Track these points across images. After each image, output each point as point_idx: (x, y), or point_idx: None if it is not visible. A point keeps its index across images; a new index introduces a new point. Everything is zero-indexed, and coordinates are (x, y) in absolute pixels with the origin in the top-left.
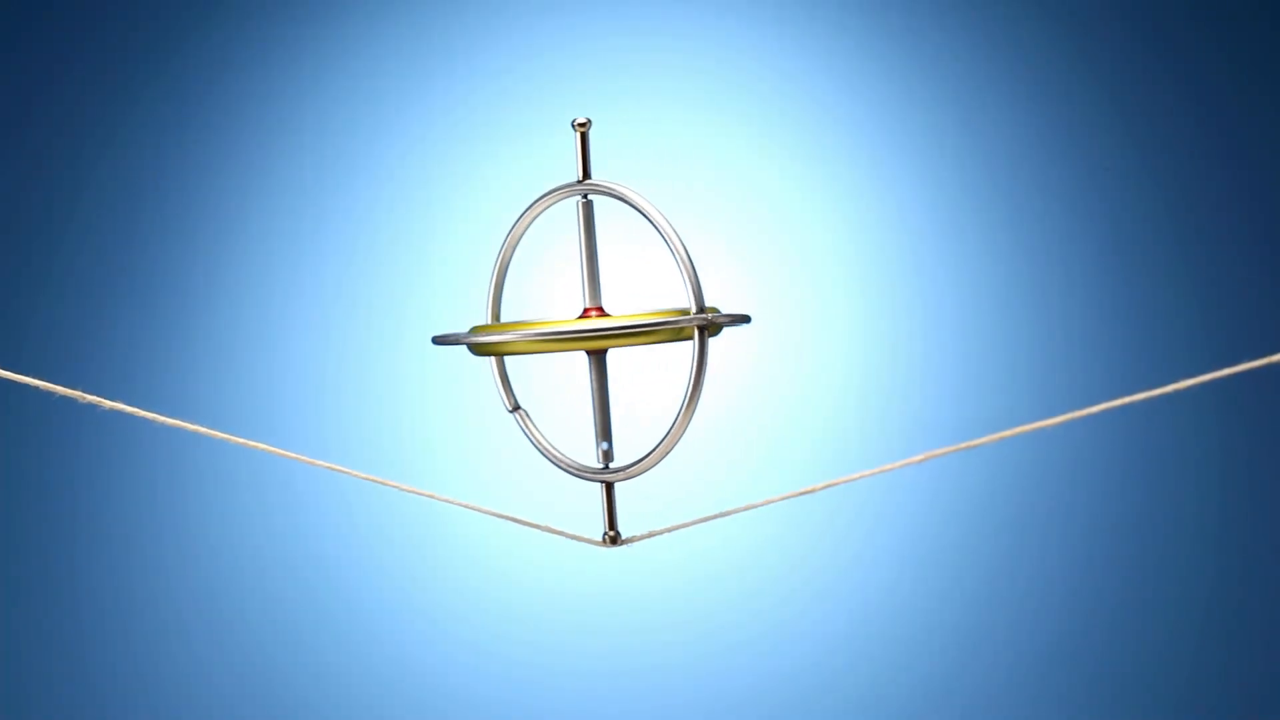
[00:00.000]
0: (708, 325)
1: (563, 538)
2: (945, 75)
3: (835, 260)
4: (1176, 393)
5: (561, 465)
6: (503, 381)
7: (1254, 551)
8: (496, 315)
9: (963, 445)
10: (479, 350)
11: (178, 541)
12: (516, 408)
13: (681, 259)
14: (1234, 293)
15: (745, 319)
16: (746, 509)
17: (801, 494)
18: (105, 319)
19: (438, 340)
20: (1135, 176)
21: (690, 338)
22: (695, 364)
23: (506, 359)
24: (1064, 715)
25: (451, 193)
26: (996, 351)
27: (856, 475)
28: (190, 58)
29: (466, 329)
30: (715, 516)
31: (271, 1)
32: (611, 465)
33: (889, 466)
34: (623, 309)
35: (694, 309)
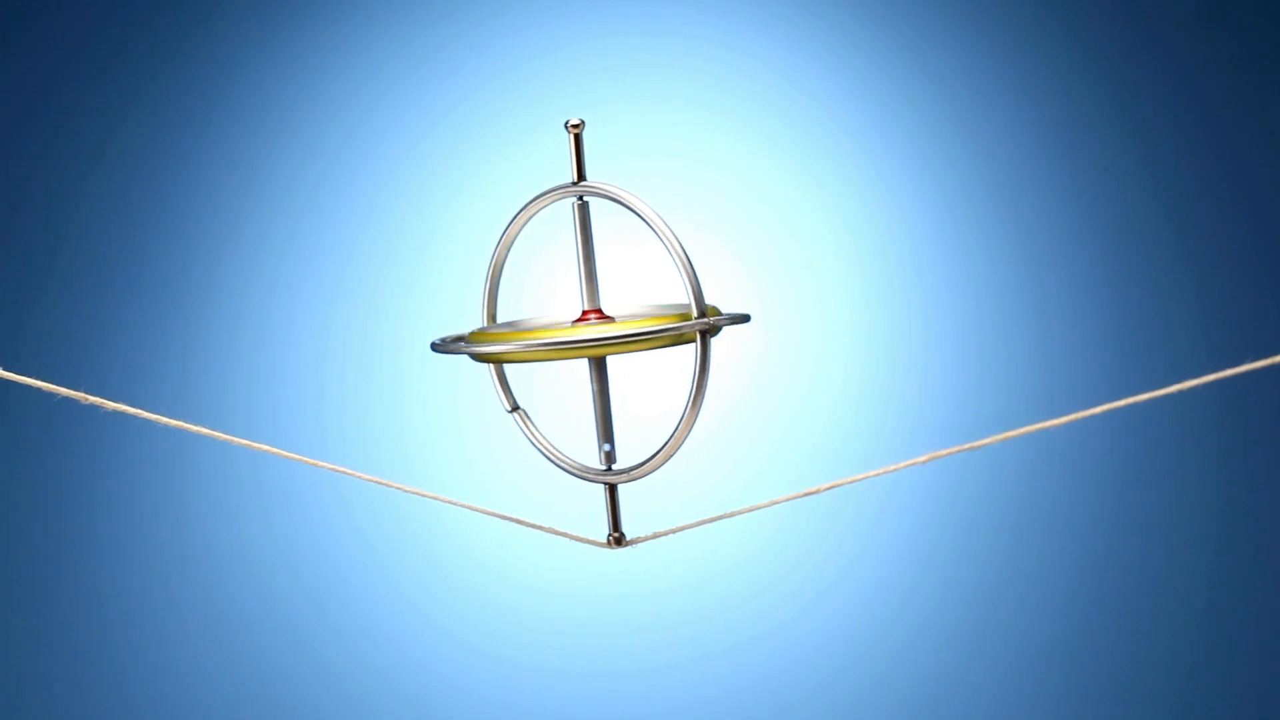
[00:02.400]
0: (709, 329)
1: (566, 539)
2: (945, 75)
3: (835, 260)
4: (1178, 393)
5: (563, 466)
6: (501, 383)
7: (1254, 551)
8: (493, 316)
9: (965, 446)
10: (477, 358)
11: (178, 541)
12: (516, 408)
13: (680, 261)
14: (1234, 293)
15: (745, 318)
16: (750, 510)
17: (804, 495)
18: (105, 319)
19: (436, 348)
20: (1135, 177)
21: (692, 341)
22: (698, 367)
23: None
24: (1064, 715)
25: (451, 193)
26: (997, 352)
27: (860, 476)
28: (191, 58)
29: (467, 331)
30: (719, 518)
31: (271, 2)
32: (614, 467)
33: (892, 468)
34: (622, 308)
35: (695, 313)
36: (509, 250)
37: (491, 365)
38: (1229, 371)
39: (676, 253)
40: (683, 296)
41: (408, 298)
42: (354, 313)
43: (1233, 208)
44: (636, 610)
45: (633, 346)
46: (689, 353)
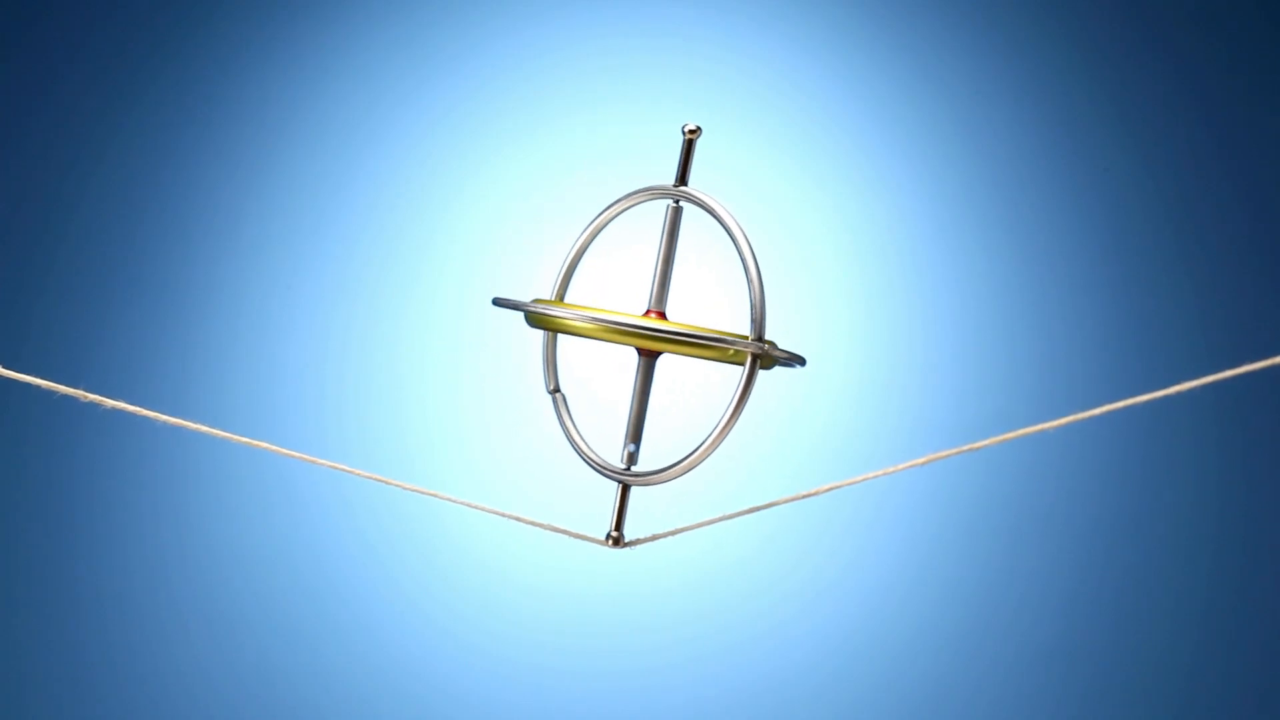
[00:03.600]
0: (762, 356)
1: (565, 537)
2: (945, 75)
3: (835, 260)
4: (1178, 394)
5: (584, 457)
6: (549, 360)
7: (1254, 552)
8: (563, 294)
9: (965, 448)
10: (535, 320)
11: (178, 541)
12: (556, 389)
13: (755, 288)
14: (1234, 293)
15: (800, 361)
16: (749, 512)
17: (805, 497)
18: (105, 319)
19: (498, 302)
20: (1135, 177)
21: (743, 363)
22: (740, 389)
23: (558, 341)
24: (1064, 715)
25: (450, 193)
26: (997, 352)
27: (860, 478)
28: (191, 58)
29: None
30: (719, 519)
31: (271, 2)
32: (633, 469)
33: (892, 469)
34: (683, 318)
35: (753, 336)
36: (595, 236)
37: (545, 340)
38: (1229, 373)
39: (754, 279)
40: (741, 327)
41: (408, 298)
42: (354, 313)
43: (1233, 208)
44: (636, 610)
45: (688, 349)
46: (730, 376)
